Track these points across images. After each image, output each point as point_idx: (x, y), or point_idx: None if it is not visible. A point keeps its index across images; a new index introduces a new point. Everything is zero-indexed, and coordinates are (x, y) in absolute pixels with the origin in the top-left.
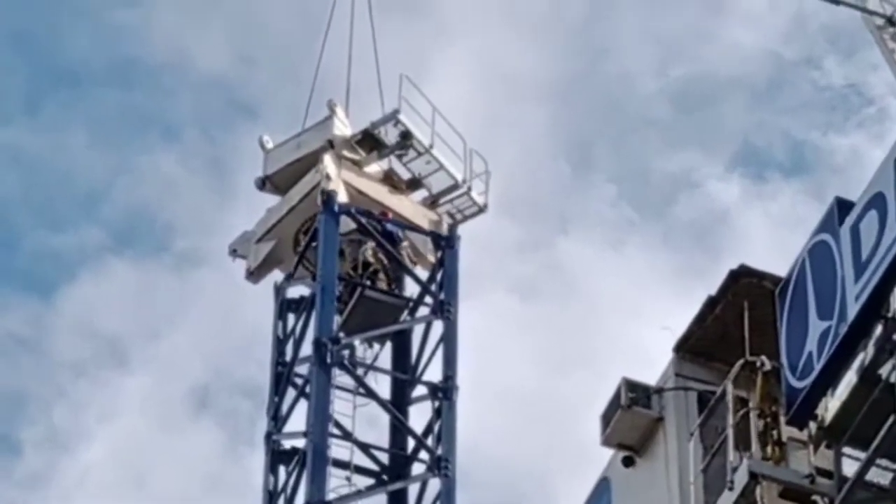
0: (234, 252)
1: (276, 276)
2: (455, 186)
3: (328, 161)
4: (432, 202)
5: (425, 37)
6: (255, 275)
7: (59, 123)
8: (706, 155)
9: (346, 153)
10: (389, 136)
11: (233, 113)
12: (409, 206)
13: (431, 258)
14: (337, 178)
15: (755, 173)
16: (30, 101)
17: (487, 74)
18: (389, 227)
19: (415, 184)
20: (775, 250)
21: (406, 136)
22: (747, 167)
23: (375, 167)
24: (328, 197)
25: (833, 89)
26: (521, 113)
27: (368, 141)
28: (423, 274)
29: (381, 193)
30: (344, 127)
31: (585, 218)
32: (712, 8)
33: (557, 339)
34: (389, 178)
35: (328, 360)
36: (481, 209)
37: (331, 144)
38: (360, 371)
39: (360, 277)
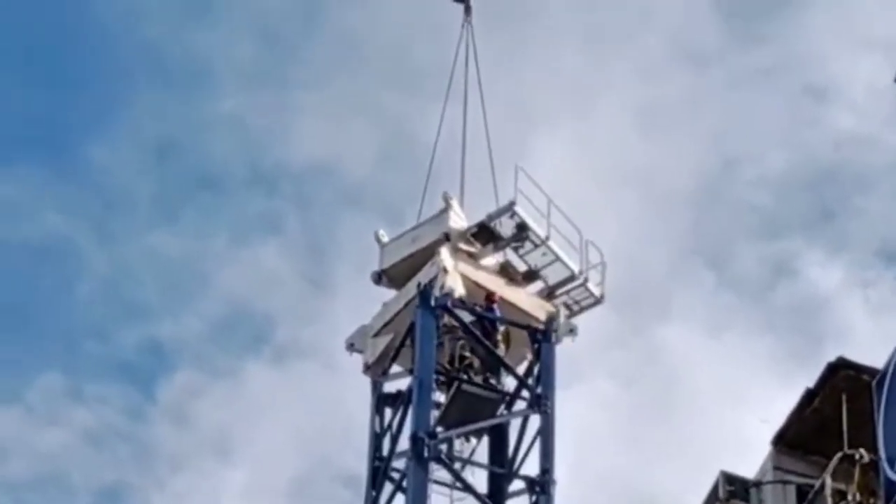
0: (350, 346)
1: (395, 369)
2: (572, 278)
3: (445, 254)
4: (549, 294)
5: (525, 123)
6: (372, 369)
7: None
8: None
9: (462, 246)
10: (505, 228)
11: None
12: (525, 298)
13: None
14: (454, 270)
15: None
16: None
17: (584, 161)
18: (489, 315)
19: (531, 276)
20: (879, 339)
21: (522, 227)
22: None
23: (491, 259)
24: (425, 291)
25: None
26: (619, 198)
27: (484, 233)
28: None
29: (497, 285)
30: (459, 219)
31: (684, 304)
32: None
33: (657, 429)
34: (505, 271)
35: (425, 455)
36: (598, 300)
37: (447, 237)
38: (457, 465)
39: (456, 371)
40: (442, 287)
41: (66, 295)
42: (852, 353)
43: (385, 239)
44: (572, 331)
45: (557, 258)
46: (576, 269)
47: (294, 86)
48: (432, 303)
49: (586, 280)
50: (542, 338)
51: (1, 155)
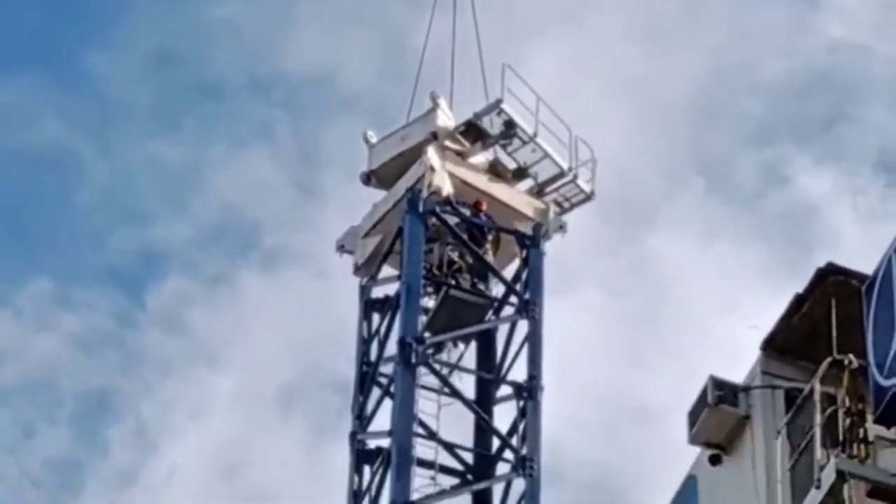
0: (341, 247)
1: (386, 272)
2: (561, 175)
3: (432, 153)
4: (538, 191)
5: (518, 32)
6: (362, 270)
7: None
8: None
9: (450, 144)
10: (493, 126)
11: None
12: (514, 195)
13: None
14: (441, 169)
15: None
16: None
17: (578, 70)
18: (476, 220)
19: (521, 173)
20: (867, 244)
21: (510, 125)
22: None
23: (480, 157)
24: (413, 196)
25: None
26: (609, 109)
27: (472, 131)
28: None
29: (485, 183)
30: (447, 118)
31: (675, 214)
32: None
33: (646, 336)
34: (494, 169)
35: (413, 360)
36: (588, 196)
37: (434, 136)
38: (444, 371)
39: (444, 276)
40: (429, 185)
41: (64, 203)
42: (842, 259)
43: (374, 140)
44: (562, 227)
45: (546, 155)
46: (565, 165)
47: None
48: (420, 207)
49: (576, 176)
50: (530, 243)
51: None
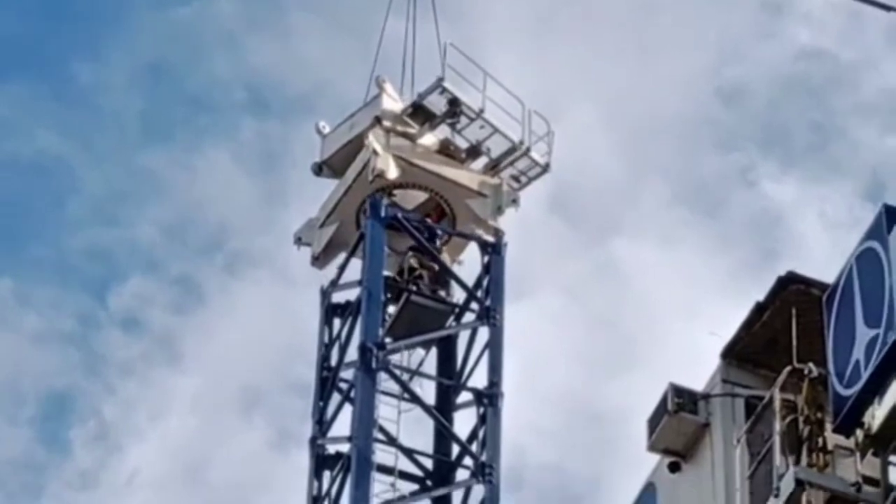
0: (298, 240)
1: (344, 258)
2: (513, 149)
3: (374, 136)
4: (493, 167)
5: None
6: (320, 260)
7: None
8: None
9: (399, 128)
10: (439, 105)
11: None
12: (466, 175)
13: (492, 222)
14: (385, 152)
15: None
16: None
17: (540, 75)
18: (437, 230)
19: (474, 152)
20: (831, 251)
21: (454, 102)
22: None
23: (432, 139)
24: (374, 202)
25: (892, 91)
26: (575, 111)
27: (420, 113)
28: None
29: (436, 164)
30: (394, 102)
31: (639, 218)
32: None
33: (607, 342)
34: (446, 149)
35: (373, 366)
36: (544, 169)
37: (378, 120)
38: (405, 376)
39: (405, 282)
40: (373, 170)
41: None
42: (807, 268)
43: (326, 130)
44: (515, 201)
45: (495, 130)
46: (516, 139)
47: None
48: (382, 214)
49: (528, 149)
50: (491, 250)
51: None
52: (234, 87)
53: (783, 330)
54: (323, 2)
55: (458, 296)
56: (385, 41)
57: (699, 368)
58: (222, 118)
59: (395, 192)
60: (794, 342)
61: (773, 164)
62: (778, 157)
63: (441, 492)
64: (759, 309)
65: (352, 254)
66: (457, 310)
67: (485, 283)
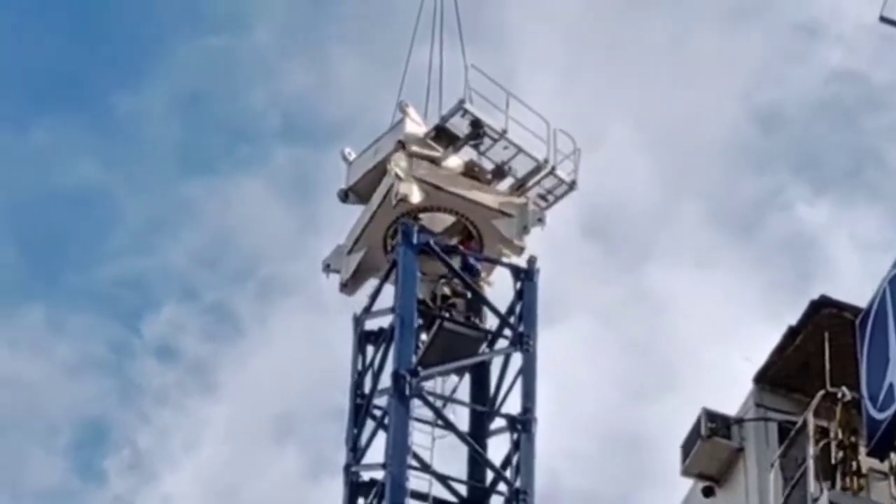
0: (327, 267)
1: (373, 283)
2: (539, 168)
3: (397, 161)
4: (519, 187)
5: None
6: (348, 287)
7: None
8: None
9: (423, 151)
10: (462, 127)
11: None
12: (490, 196)
13: (518, 241)
14: (408, 176)
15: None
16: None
17: (572, 95)
18: (470, 260)
19: (499, 172)
20: (864, 274)
21: (476, 124)
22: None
23: (456, 161)
24: (407, 228)
25: None
26: (609, 135)
27: (443, 136)
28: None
29: (460, 187)
30: (417, 126)
31: (673, 241)
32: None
33: (641, 366)
34: (471, 170)
35: (407, 392)
36: (570, 187)
37: (402, 145)
38: (438, 403)
39: (438, 309)
40: (396, 194)
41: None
42: (839, 291)
43: (351, 157)
44: (540, 220)
45: (519, 150)
46: (541, 157)
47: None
48: (414, 240)
49: (554, 168)
50: (524, 276)
51: (35, 103)
52: (269, 115)
53: (816, 354)
54: (359, 31)
55: (491, 322)
56: (418, 68)
57: (733, 393)
58: (257, 146)
59: (422, 215)
60: (828, 366)
61: (805, 186)
62: (810, 179)
63: None
64: (792, 333)
65: (384, 281)
66: (490, 336)
67: (518, 309)
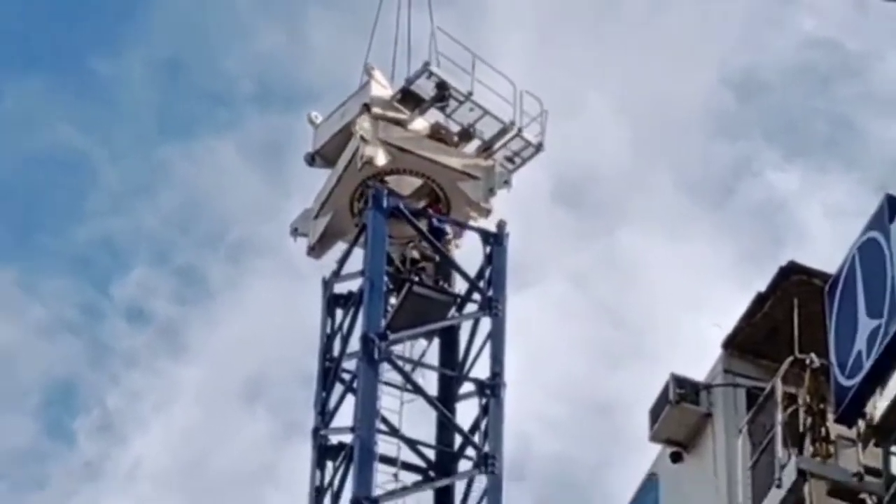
0: (295, 231)
1: (341, 247)
2: (505, 130)
3: (362, 124)
4: (486, 149)
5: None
6: (316, 250)
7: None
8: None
9: (390, 114)
10: (428, 90)
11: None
12: (456, 158)
13: (484, 204)
14: (373, 138)
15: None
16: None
17: (546, 61)
18: (437, 222)
19: (466, 135)
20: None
21: (442, 86)
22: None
23: (422, 123)
24: (377, 193)
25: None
26: (583, 101)
27: (410, 99)
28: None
29: (426, 149)
30: (383, 89)
31: (645, 207)
32: None
33: (612, 331)
34: (437, 133)
35: (376, 356)
36: (538, 148)
37: (367, 108)
38: (407, 367)
39: (407, 273)
40: (362, 157)
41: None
42: (811, 258)
43: (318, 120)
44: (507, 182)
45: (485, 112)
46: (507, 119)
47: None
48: (384, 204)
49: (520, 130)
50: (493, 241)
51: (12, 67)
52: (245, 79)
53: (785, 320)
54: None
55: (461, 286)
56: (392, 31)
57: (703, 359)
58: (233, 110)
59: (388, 178)
60: (796, 332)
61: (778, 153)
62: (784, 146)
63: (444, 482)
64: (761, 299)
65: (354, 244)
66: (459, 300)
67: (487, 273)
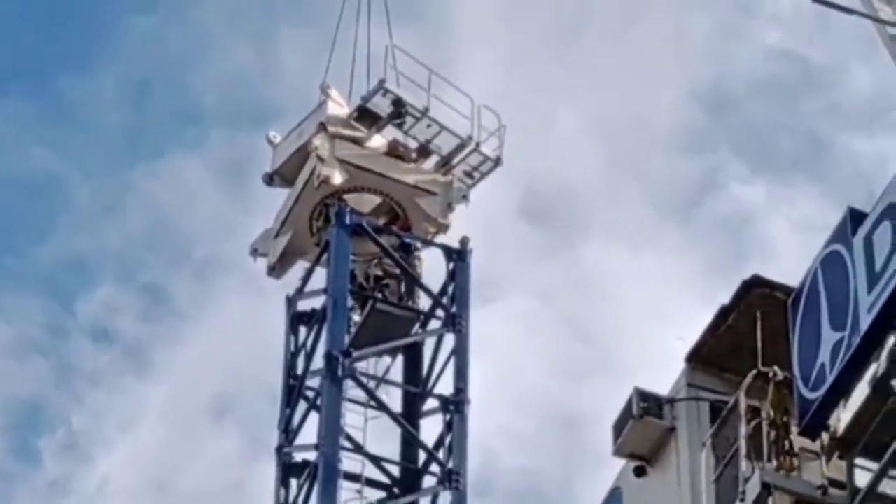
0: (255, 251)
1: (301, 266)
2: (462, 145)
3: (316, 143)
4: (444, 164)
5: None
6: (276, 270)
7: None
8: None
9: (346, 132)
10: (384, 107)
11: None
12: (413, 174)
13: (442, 220)
14: (330, 157)
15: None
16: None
17: (511, 77)
18: (404, 235)
19: (424, 151)
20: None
21: (397, 103)
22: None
23: (380, 140)
24: (339, 210)
25: (861, 93)
26: (549, 114)
27: (366, 116)
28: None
29: (384, 166)
30: (340, 107)
31: (610, 221)
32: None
33: (578, 345)
34: (395, 150)
35: (339, 373)
36: (496, 163)
37: (323, 126)
38: (371, 384)
39: (371, 290)
40: (318, 176)
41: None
42: (775, 271)
43: (276, 140)
44: (465, 197)
45: (442, 127)
46: (464, 134)
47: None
48: (347, 221)
49: (478, 145)
50: (457, 257)
51: None
52: (213, 97)
53: (748, 333)
54: (307, 13)
55: (424, 302)
56: (360, 48)
57: (668, 372)
58: (202, 129)
59: (346, 196)
60: (759, 346)
61: (744, 166)
62: (749, 159)
63: (408, 499)
64: (724, 312)
65: (316, 262)
66: (422, 317)
67: (450, 289)
